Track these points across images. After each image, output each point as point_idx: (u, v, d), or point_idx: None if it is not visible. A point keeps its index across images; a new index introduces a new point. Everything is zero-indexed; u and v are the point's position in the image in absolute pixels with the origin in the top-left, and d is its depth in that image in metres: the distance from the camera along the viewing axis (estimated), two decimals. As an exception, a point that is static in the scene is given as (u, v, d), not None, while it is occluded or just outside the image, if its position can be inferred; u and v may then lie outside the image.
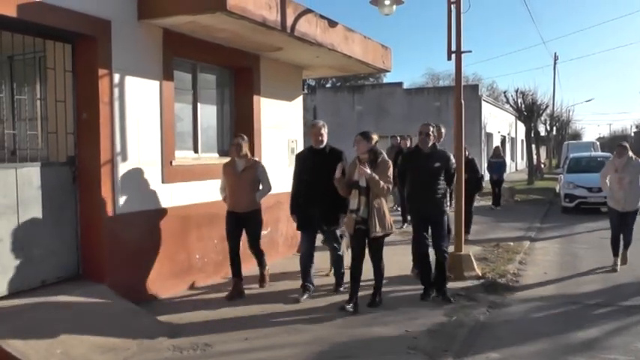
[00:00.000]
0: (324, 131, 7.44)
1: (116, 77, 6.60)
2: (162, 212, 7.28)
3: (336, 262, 7.71)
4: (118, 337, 5.55)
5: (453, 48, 8.82)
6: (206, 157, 8.48)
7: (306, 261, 7.47)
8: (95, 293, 6.19)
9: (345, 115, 31.28)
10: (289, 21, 7.66)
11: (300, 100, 10.72)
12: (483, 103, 31.27)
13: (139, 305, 6.41)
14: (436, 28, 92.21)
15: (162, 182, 7.28)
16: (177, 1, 6.65)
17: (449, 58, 8.92)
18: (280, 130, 9.95)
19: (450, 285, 7.63)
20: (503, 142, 37.84)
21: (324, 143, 7.42)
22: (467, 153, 10.17)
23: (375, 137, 6.69)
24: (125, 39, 6.69)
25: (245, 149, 7.53)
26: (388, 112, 30.63)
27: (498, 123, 36.62)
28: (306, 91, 33.75)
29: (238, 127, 9.10)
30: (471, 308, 6.85)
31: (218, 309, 6.77)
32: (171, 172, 7.42)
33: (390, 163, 6.75)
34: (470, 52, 9.02)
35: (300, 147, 10.36)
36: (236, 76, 9.23)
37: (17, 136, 6.48)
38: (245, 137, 7.63)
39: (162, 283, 7.23)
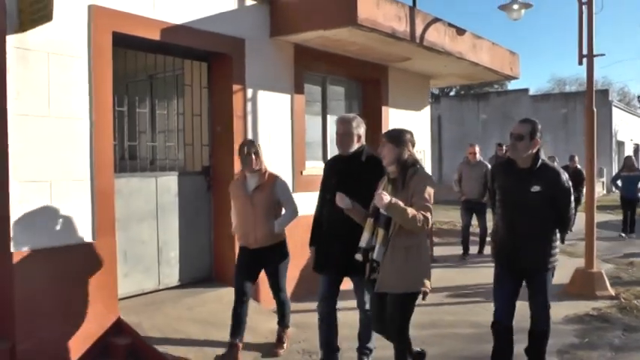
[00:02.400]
0: (356, 129, 4.77)
1: (249, 92, 6.66)
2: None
3: (365, 326, 4.87)
4: (249, 338, 5.50)
5: (584, 51, 8.05)
6: (336, 167, 8.33)
7: (328, 326, 4.87)
8: (226, 295, 6.18)
9: (470, 124, 30.26)
10: (418, 31, 7.38)
11: (427, 110, 10.35)
12: (614, 108, 29.23)
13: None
14: (561, 30, 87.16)
15: (293, 191, 7.20)
16: (308, 18, 6.60)
17: (580, 63, 8.13)
18: (408, 140, 9.59)
19: (581, 304, 7.02)
20: (636, 151, 34.50)
21: (355, 147, 4.77)
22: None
23: (410, 139, 4.21)
24: (258, 56, 6.73)
25: (261, 160, 5.27)
26: (514, 120, 28.94)
27: (631, 130, 33.82)
28: (430, 100, 33.02)
29: (367, 137, 8.90)
30: (604, 330, 6.18)
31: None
32: (301, 182, 7.34)
33: (430, 180, 4.18)
34: (603, 55, 8.18)
35: (427, 158, 10.02)
36: (364, 88, 9.03)
37: (156, 148, 6.69)
38: (257, 144, 5.34)
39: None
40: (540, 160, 4.40)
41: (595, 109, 8.08)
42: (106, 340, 5.27)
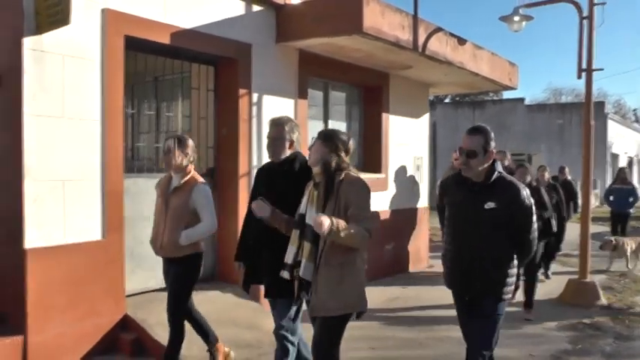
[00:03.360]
0: (288, 133, 4.23)
1: (255, 96, 6.80)
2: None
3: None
4: (252, 335, 5.67)
5: (584, 65, 8.19)
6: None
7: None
8: (230, 293, 6.37)
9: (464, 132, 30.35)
10: (421, 40, 7.52)
11: (426, 117, 10.50)
12: (609, 121, 29.39)
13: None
14: (558, 39, 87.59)
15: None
16: (314, 25, 6.72)
17: (579, 77, 8.27)
18: (407, 147, 9.77)
19: (574, 312, 7.22)
20: (630, 164, 34.49)
21: (287, 154, 4.23)
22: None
23: (344, 142, 3.68)
24: (264, 60, 6.85)
25: (180, 158, 4.55)
26: (509, 130, 29.33)
27: (625, 143, 33.95)
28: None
29: (367, 143, 9.09)
30: (596, 338, 6.35)
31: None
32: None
33: (362, 184, 3.61)
34: (601, 69, 8.32)
35: (425, 165, 10.18)
36: (366, 94, 9.18)
37: (161, 149, 6.80)
38: (183, 139, 4.65)
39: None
40: (496, 173, 3.75)
41: (593, 122, 8.20)
42: (113, 335, 5.41)
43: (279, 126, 4.26)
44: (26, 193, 4.85)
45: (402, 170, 9.58)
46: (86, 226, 5.24)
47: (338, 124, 8.71)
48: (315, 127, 8.15)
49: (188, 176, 4.60)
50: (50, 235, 4.98)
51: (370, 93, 9.14)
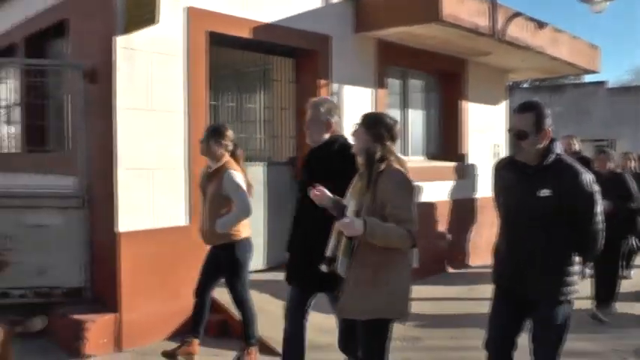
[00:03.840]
0: (325, 114, 3.76)
1: (334, 87, 6.68)
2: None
3: None
4: (333, 321, 5.50)
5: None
6: (414, 159, 8.21)
7: (291, 348, 4.02)
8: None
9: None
10: (499, 26, 7.17)
11: (504, 104, 10.02)
12: (698, 102, 27.34)
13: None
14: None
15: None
16: (392, 14, 6.55)
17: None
18: (485, 134, 9.35)
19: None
20: None
21: (326, 137, 3.77)
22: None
23: (388, 127, 3.18)
24: (343, 51, 6.73)
25: (216, 147, 4.47)
26: (590, 115, 27.72)
27: None
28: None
29: (445, 130, 8.78)
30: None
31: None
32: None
33: (404, 180, 3.11)
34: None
35: (503, 152, 9.72)
36: (443, 81, 8.85)
37: (243, 139, 6.81)
38: (219, 129, 4.56)
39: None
40: (553, 155, 3.09)
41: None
42: (199, 316, 5.43)
43: (314, 107, 3.82)
44: (119, 180, 4.97)
45: (480, 158, 9.18)
46: (172, 212, 5.31)
47: (416, 113, 8.47)
48: (393, 115, 7.89)
49: (219, 163, 4.48)
50: (140, 220, 5.09)
51: (448, 80, 8.80)
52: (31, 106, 6.70)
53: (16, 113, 7.27)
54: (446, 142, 8.80)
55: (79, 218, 5.35)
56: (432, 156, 8.57)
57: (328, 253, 3.24)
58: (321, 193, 3.32)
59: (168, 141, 5.24)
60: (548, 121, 3.11)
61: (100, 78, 5.15)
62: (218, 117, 6.13)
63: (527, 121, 3.09)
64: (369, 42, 7.02)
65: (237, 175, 4.45)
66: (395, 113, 7.97)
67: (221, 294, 5.55)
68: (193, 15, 5.33)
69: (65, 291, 5.33)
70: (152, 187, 5.13)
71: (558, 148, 3.14)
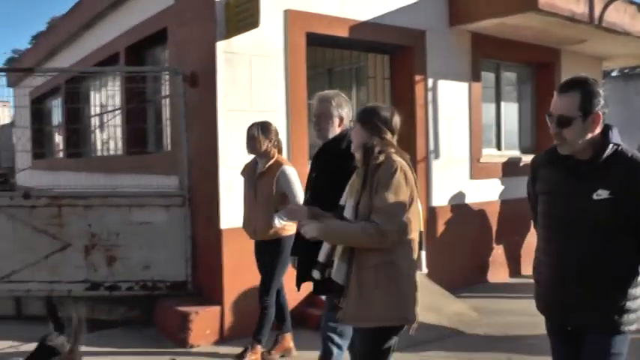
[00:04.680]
0: (336, 109, 3.59)
1: (430, 82, 6.62)
2: (468, 207, 7.06)
3: None
4: (433, 317, 5.44)
5: None
6: (509, 154, 8.01)
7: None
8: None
9: (636, 108, 27.38)
10: (597, 12, 6.88)
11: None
12: None
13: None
14: None
15: (470, 178, 7.07)
16: (488, 5, 6.42)
17: None
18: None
19: None
20: None
21: (336, 132, 3.62)
22: None
23: (385, 119, 2.90)
24: (437, 46, 6.65)
25: (265, 144, 4.44)
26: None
27: None
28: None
29: (540, 123, 8.50)
30: None
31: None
32: (477, 169, 7.16)
33: (399, 174, 2.73)
34: None
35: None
36: (537, 72, 8.56)
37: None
38: (266, 125, 4.50)
39: (462, 274, 6.98)
40: (611, 146, 2.39)
41: None
42: (301, 311, 5.52)
43: (324, 101, 3.62)
44: (221, 179, 5.13)
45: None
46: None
47: (509, 105, 8.24)
48: (487, 110, 7.78)
49: (272, 161, 4.45)
50: (241, 218, 5.16)
51: (541, 71, 8.51)
52: (131, 110, 7.04)
53: (118, 118, 7.66)
54: (540, 135, 8.53)
55: (181, 215, 5.57)
56: (526, 150, 8.34)
57: (321, 258, 3.00)
58: (291, 210, 3.14)
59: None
60: (600, 102, 2.38)
61: (201, 82, 5.33)
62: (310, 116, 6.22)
63: (570, 103, 2.38)
64: (463, 35, 6.91)
65: (292, 172, 4.45)
66: (489, 107, 7.83)
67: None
68: (292, 17, 5.42)
69: (169, 284, 5.59)
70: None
71: (616, 136, 2.44)
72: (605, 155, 2.37)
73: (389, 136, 2.91)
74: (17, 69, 12.40)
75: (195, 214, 5.52)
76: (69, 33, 9.30)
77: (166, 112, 6.36)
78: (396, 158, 2.81)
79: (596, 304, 2.43)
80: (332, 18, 5.70)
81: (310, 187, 3.64)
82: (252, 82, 5.24)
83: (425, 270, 3.01)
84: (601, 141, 2.40)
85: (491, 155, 7.67)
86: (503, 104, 8.01)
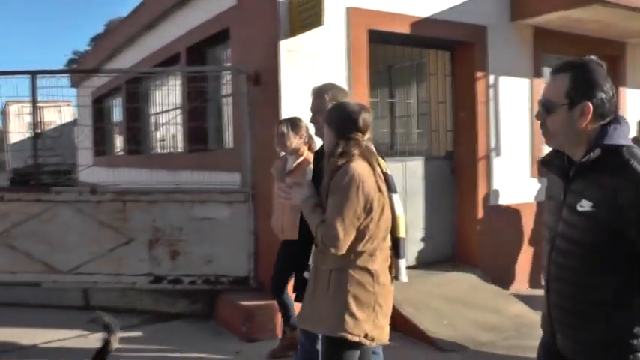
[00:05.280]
0: (331, 103, 3.19)
1: (491, 78, 6.53)
2: (529, 207, 6.94)
3: None
4: (495, 319, 5.45)
5: None
6: (568, 152, 7.83)
7: None
8: (469, 276, 6.20)
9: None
10: (667, 0, 6.65)
11: (668, 89, 9.27)
12: None
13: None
14: None
15: (530, 177, 6.96)
16: (551, -1, 6.26)
17: None
18: (645, 122, 8.72)
19: None
20: None
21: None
22: None
23: (350, 118, 2.74)
24: (499, 41, 6.55)
25: (294, 141, 4.37)
26: None
27: None
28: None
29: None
30: None
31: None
32: (538, 167, 7.06)
33: (353, 181, 2.62)
34: None
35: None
36: (601, 67, 8.35)
37: (397, 134, 6.88)
38: (295, 122, 4.43)
39: (520, 275, 6.87)
40: (599, 148, 1.88)
41: None
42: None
43: (318, 96, 3.36)
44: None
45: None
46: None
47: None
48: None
49: (301, 158, 4.38)
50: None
51: (608, 65, 8.28)
52: (192, 109, 7.20)
53: (178, 116, 7.86)
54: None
55: (244, 212, 5.67)
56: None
57: (310, 261, 2.97)
58: (295, 189, 2.90)
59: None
60: (596, 91, 1.90)
61: (264, 80, 5.42)
62: (375, 113, 6.25)
63: (557, 87, 1.96)
64: (525, 30, 6.78)
65: None
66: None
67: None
68: (354, 14, 5.45)
69: (231, 279, 5.70)
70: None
71: (619, 135, 1.91)
72: (590, 158, 1.89)
73: (357, 135, 2.73)
74: (82, 70, 12.87)
75: (257, 211, 5.60)
76: (130, 34, 9.58)
77: (227, 111, 6.49)
78: (355, 165, 2.65)
79: (579, 337, 1.98)
80: (393, 15, 5.69)
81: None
82: (315, 80, 5.24)
83: (405, 279, 2.87)
84: (594, 139, 1.92)
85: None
86: (565, 100, 7.85)
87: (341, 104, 2.89)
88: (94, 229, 5.81)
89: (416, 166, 6.35)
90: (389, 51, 6.46)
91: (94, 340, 5.22)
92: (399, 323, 5.29)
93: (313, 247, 2.90)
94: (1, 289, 6.17)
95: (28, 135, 19.90)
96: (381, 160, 2.84)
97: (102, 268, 5.82)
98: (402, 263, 2.88)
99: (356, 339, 2.65)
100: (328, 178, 2.68)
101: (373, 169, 2.72)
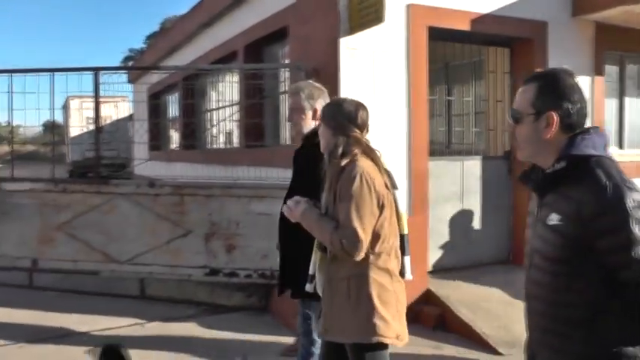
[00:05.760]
0: (307, 100, 3.34)
1: (551, 75, 6.40)
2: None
3: None
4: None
5: None
6: (631, 153, 7.61)
7: None
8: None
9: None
10: None
11: None
12: None
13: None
14: None
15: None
16: (615, -7, 6.10)
17: None
18: None
19: None
20: None
21: (311, 127, 3.35)
22: None
23: (351, 115, 2.74)
24: (559, 38, 6.42)
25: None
26: None
27: None
28: None
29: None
30: None
31: None
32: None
33: (361, 181, 2.59)
34: None
35: None
36: (664, 64, 8.10)
37: (452, 132, 6.83)
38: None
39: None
40: (565, 158, 1.85)
41: None
42: (416, 308, 5.52)
43: (294, 94, 3.35)
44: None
45: None
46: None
47: (634, 101, 7.84)
48: (610, 106, 7.44)
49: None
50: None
51: (670, 62, 8.02)
52: (249, 106, 7.31)
53: (235, 113, 7.99)
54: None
55: (302, 208, 5.74)
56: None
57: (311, 270, 2.89)
58: (291, 206, 2.82)
59: (391, 136, 5.38)
60: (562, 102, 1.88)
61: (323, 78, 5.43)
62: (432, 111, 6.23)
63: (525, 97, 1.96)
64: (586, 26, 6.64)
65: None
66: (611, 103, 7.49)
67: (438, 287, 5.66)
68: (414, 11, 5.43)
69: (287, 274, 5.78)
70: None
71: (586, 143, 1.86)
72: (555, 169, 1.87)
73: (356, 133, 2.71)
74: (144, 67, 13.13)
75: (316, 207, 5.66)
76: (188, 32, 9.79)
77: (284, 108, 6.56)
78: (360, 163, 2.62)
79: (550, 357, 1.93)
80: (453, 11, 5.66)
81: (289, 190, 3.41)
82: (375, 78, 5.31)
83: (410, 276, 2.86)
84: (561, 150, 1.88)
85: (613, 154, 7.32)
86: (626, 99, 7.64)
87: (337, 101, 2.85)
88: (152, 221, 5.94)
89: (473, 165, 6.30)
90: (448, 48, 6.41)
91: (149, 328, 5.44)
92: (454, 325, 5.30)
93: (313, 255, 2.85)
94: (62, 277, 6.43)
95: (86, 129, 20.65)
96: (381, 156, 2.81)
97: (158, 260, 5.95)
98: (407, 260, 2.87)
99: (389, 341, 2.64)
100: (333, 181, 2.64)
101: (378, 165, 2.70)
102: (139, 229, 5.97)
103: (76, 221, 6.09)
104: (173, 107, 12.13)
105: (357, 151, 2.65)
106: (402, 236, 2.83)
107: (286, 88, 6.47)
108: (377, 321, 2.61)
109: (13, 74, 6.23)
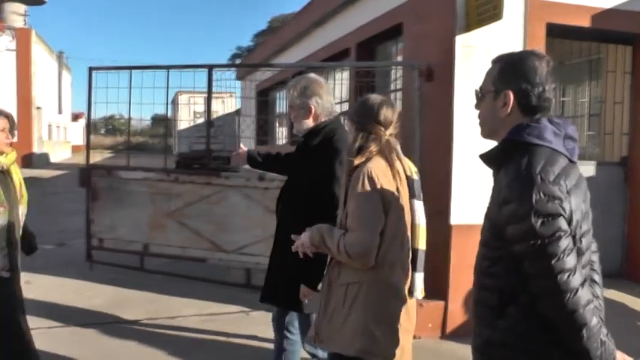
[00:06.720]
0: (301, 97, 3.18)
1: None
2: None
3: None
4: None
5: None
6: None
7: None
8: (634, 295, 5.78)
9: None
10: None
11: None
12: None
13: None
14: None
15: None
16: None
17: None
18: None
19: None
20: None
21: (309, 125, 3.18)
22: None
23: (372, 112, 2.61)
24: (690, 35, 6.03)
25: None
26: None
27: None
28: None
29: None
30: None
31: None
32: None
33: (367, 182, 2.47)
34: None
35: None
36: None
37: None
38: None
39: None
40: (502, 142, 1.91)
41: None
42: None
43: (287, 90, 3.20)
44: (454, 174, 5.19)
45: None
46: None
47: None
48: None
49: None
50: (469, 214, 5.21)
51: None
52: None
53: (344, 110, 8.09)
54: None
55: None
56: None
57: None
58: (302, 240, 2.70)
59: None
60: (519, 80, 1.88)
61: (437, 76, 5.42)
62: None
63: (488, 76, 1.98)
64: None
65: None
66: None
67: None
68: (533, 6, 5.30)
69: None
70: (484, 182, 5.22)
71: (530, 130, 1.83)
72: (490, 151, 1.93)
73: (379, 129, 2.59)
74: (256, 65, 13.54)
75: (425, 207, 5.63)
76: (298, 31, 10.03)
77: (396, 106, 6.58)
78: (372, 165, 2.51)
79: (475, 341, 1.96)
80: (574, 7, 5.47)
81: (284, 190, 3.37)
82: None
83: (419, 296, 2.66)
84: (507, 134, 1.88)
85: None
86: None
87: (363, 98, 2.76)
88: (260, 214, 6.07)
89: (586, 170, 6.04)
90: (563, 46, 6.20)
91: (254, 317, 5.62)
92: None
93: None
94: (171, 263, 6.77)
95: (193, 123, 21.66)
96: (407, 162, 2.69)
97: (265, 251, 6.06)
98: (419, 278, 2.67)
99: (372, 358, 2.50)
100: (345, 181, 2.58)
101: (392, 167, 2.57)
102: (247, 220, 6.13)
103: (187, 210, 6.37)
104: (281, 104, 12.46)
105: (373, 148, 2.56)
106: (414, 250, 2.67)
107: (397, 87, 6.50)
108: (362, 335, 2.48)
109: (132, 70, 6.64)
